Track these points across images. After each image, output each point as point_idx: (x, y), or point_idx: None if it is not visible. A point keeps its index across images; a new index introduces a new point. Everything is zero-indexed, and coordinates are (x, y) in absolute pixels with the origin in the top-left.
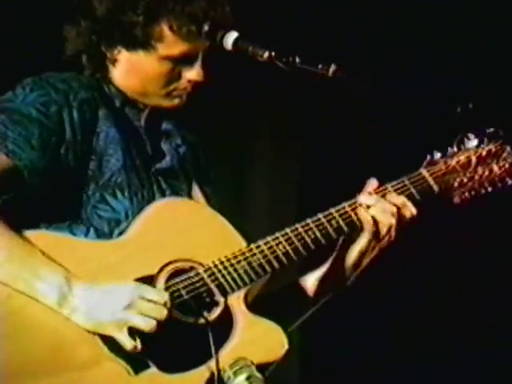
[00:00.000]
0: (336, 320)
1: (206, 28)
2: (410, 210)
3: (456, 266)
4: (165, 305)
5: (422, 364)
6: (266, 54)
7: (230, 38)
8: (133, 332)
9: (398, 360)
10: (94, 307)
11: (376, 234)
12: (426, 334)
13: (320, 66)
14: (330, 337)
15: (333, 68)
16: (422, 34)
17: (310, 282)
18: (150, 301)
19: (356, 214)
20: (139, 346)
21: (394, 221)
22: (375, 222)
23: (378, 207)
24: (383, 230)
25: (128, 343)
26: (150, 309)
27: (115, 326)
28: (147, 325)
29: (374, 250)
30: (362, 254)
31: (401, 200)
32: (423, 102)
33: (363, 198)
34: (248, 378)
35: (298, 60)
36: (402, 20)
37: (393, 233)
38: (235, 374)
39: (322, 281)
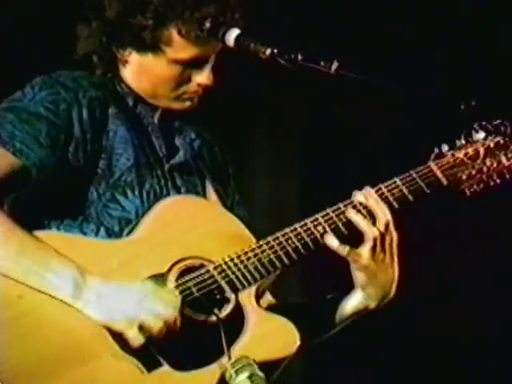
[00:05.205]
0: None
1: (207, 25)
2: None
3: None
4: (175, 305)
5: (426, 364)
6: (268, 51)
7: (232, 34)
8: (144, 331)
9: (402, 359)
10: (107, 302)
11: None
12: (429, 335)
13: (322, 64)
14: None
15: (335, 65)
16: (424, 33)
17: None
18: (161, 300)
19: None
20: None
21: (390, 216)
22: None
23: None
24: (381, 228)
25: (135, 340)
26: (160, 308)
27: (126, 322)
28: (155, 324)
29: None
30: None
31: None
32: (427, 99)
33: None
34: (250, 377)
35: (300, 57)
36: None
37: (393, 233)
38: (237, 372)
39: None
